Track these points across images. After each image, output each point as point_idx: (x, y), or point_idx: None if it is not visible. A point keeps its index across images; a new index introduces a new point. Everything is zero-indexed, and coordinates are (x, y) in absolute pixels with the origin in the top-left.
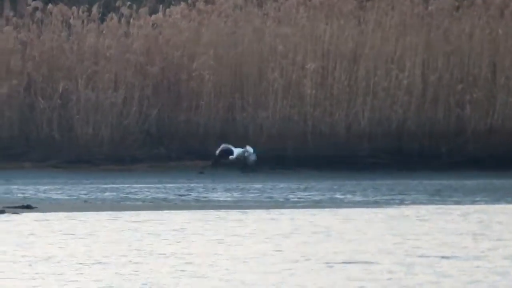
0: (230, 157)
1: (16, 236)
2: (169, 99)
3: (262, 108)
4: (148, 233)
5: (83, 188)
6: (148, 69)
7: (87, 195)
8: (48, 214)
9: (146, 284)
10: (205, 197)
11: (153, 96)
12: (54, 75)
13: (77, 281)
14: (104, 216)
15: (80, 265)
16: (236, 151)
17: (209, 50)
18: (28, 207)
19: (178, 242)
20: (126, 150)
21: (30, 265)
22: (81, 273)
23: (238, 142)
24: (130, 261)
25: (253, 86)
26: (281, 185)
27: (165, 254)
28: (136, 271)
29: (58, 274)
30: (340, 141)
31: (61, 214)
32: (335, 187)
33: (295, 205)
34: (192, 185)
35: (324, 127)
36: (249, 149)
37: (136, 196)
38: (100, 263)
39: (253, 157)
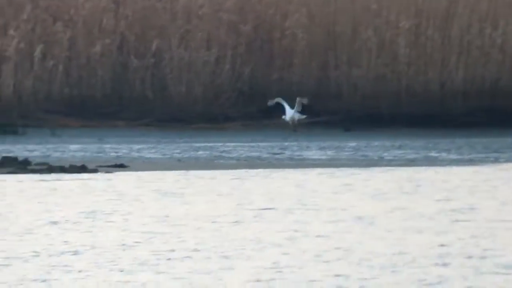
0: (283, 117)
1: (113, 195)
2: (262, 58)
3: (356, 66)
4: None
5: (177, 147)
6: (241, 28)
7: (181, 154)
8: (141, 173)
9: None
10: (299, 156)
11: (246, 54)
12: (147, 34)
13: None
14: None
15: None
16: (289, 113)
17: (301, 8)
18: (121, 166)
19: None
20: (219, 109)
21: (125, 220)
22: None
23: (332, 100)
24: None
25: (346, 44)
26: (376, 143)
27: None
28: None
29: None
30: (434, 100)
31: (155, 173)
32: (429, 145)
33: (389, 163)
34: (286, 143)
35: (418, 85)
36: (295, 112)
37: (230, 155)
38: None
39: (296, 116)
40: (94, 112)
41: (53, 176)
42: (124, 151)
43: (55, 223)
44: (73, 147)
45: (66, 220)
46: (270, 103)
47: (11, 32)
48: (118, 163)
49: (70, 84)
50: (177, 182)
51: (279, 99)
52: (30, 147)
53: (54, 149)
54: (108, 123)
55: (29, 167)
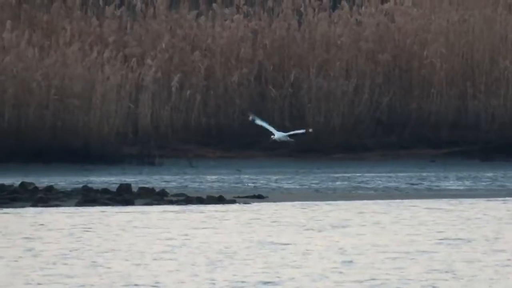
0: (272, 136)
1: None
2: (400, 87)
3: (494, 96)
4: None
5: (314, 177)
6: (380, 57)
7: (318, 184)
8: (279, 203)
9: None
10: (437, 186)
11: (385, 84)
12: (285, 64)
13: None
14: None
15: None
16: (278, 134)
17: (440, 38)
18: (259, 197)
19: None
20: (357, 139)
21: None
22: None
23: (469, 130)
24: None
25: (484, 74)
26: None
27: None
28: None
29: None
30: None
31: (292, 203)
32: None
33: None
34: (424, 174)
35: None
36: (285, 136)
37: (368, 185)
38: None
39: (283, 138)
40: (231, 142)
41: (191, 207)
42: (262, 181)
43: (234, 253)
44: (210, 178)
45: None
46: (252, 118)
47: (149, 61)
48: (256, 194)
49: (207, 114)
50: (334, 213)
51: (260, 122)
52: (167, 177)
53: (191, 180)
54: (245, 153)
55: (166, 198)
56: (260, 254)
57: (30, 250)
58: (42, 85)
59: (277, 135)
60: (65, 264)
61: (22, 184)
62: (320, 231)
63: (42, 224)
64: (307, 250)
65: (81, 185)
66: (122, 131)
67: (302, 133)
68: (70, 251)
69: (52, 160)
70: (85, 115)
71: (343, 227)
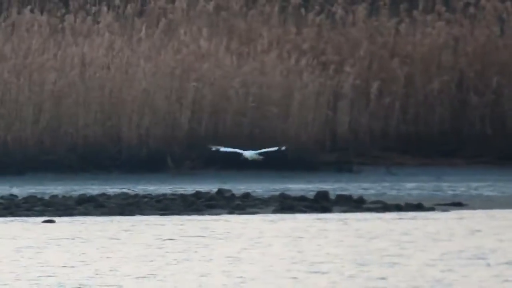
0: (244, 154)
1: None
2: None
3: None
4: None
5: None
6: None
7: None
8: (478, 211)
9: None
10: None
11: None
12: (487, 71)
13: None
14: None
15: None
16: (247, 152)
17: None
18: (458, 205)
19: None
20: None
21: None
22: None
23: None
24: None
25: None
26: None
27: None
28: None
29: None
30: None
31: (491, 212)
32: None
33: None
34: None
35: None
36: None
37: None
38: None
39: (255, 156)
40: (431, 150)
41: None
42: (462, 189)
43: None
44: (409, 185)
45: None
46: (215, 148)
47: (347, 68)
48: (456, 201)
49: (406, 121)
50: None
51: (224, 149)
52: (365, 185)
53: (389, 187)
54: (445, 161)
55: (364, 206)
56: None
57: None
58: (240, 92)
59: (247, 153)
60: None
61: (219, 191)
62: None
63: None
64: None
65: (278, 192)
66: (320, 138)
67: (275, 151)
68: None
69: (249, 167)
70: (283, 123)
71: None
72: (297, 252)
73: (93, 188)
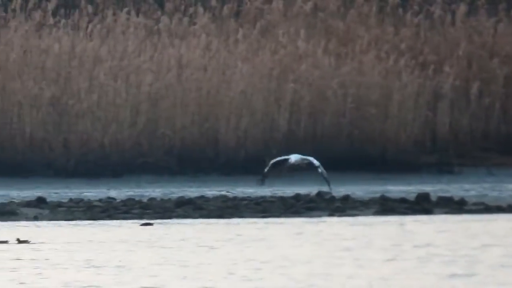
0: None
1: None
2: None
3: None
4: None
5: None
6: None
7: None
8: None
9: None
10: None
11: None
12: None
13: None
14: None
15: None
16: (294, 157)
17: None
18: None
19: None
20: None
21: None
22: None
23: None
24: None
25: None
26: None
27: None
28: None
29: None
30: None
31: None
32: None
33: None
34: None
35: None
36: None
37: None
38: None
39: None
40: None
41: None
42: None
43: None
44: (510, 186)
45: None
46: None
47: (447, 69)
48: None
49: (507, 122)
50: None
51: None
52: (466, 186)
53: (490, 189)
54: None
55: (465, 207)
56: None
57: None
58: (338, 93)
59: (292, 158)
60: None
61: (319, 193)
62: None
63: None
64: None
65: (378, 194)
66: (420, 139)
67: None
68: None
69: (349, 168)
70: (382, 123)
71: None
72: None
73: (192, 191)
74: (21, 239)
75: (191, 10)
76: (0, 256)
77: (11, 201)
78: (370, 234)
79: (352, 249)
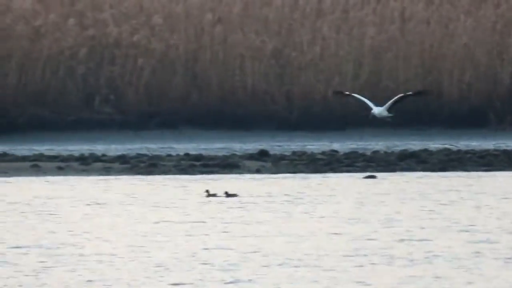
0: (372, 111)
1: None
2: None
3: None
4: None
5: None
6: None
7: None
8: None
9: None
10: None
11: None
12: None
13: None
14: None
15: None
16: (377, 109)
17: None
18: None
19: None
20: None
21: None
22: None
23: None
24: None
25: None
26: None
27: None
28: None
29: None
30: None
31: None
32: None
33: None
34: None
35: None
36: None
37: None
38: None
39: (384, 114)
40: None
41: None
42: None
43: None
44: None
45: None
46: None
47: None
48: None
49: None
50: None
51: (354, 95)
52: None
53: None
54: None
55: None
56: None
57: None
58: None
59: (375, 110)
60: None
61: None
62: None
63: None
64: None
65: None
66: None
67: (405, 96)
68: None
69: None
70: None
71: None
72: None
73: (414, 144)
74: (229, 193)
75: None
76: (207, 208)
77: (233, 154)
78: None
79: None
